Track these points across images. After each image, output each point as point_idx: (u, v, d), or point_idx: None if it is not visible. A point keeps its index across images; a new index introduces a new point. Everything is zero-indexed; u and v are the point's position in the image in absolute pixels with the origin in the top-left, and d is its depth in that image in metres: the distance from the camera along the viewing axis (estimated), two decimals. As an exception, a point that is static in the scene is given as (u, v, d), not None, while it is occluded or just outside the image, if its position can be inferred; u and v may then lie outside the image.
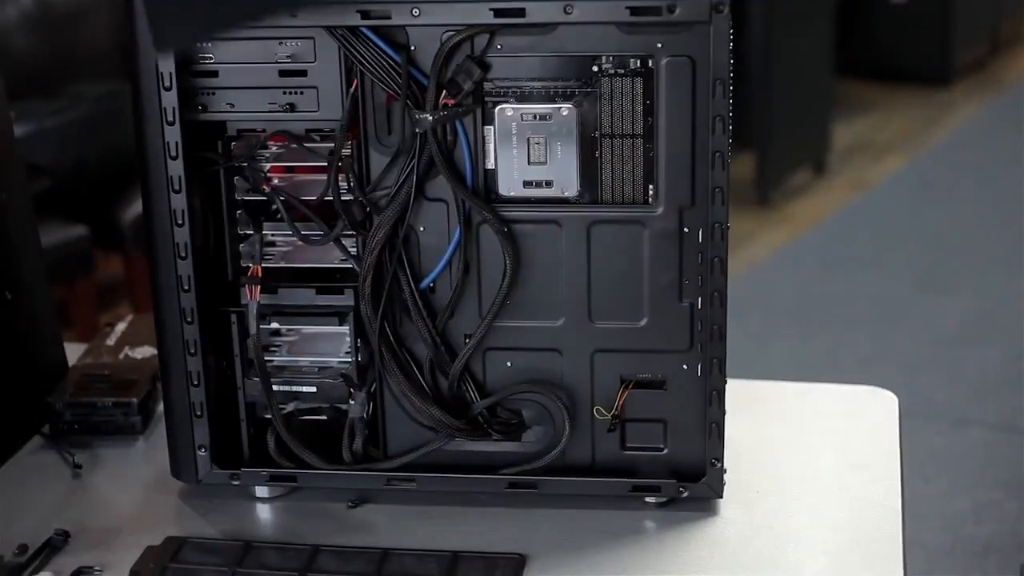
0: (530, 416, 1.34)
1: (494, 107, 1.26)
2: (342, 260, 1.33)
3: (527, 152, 1.27)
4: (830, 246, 4.59)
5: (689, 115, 1.24)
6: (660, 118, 1.24)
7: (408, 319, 1.31)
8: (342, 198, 1.29)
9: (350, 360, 1.35)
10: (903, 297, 4.15)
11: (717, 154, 1.23)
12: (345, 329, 1.34)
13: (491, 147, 1.27)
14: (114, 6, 3.62)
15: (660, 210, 1.26)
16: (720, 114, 1.22)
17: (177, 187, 1.28)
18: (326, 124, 1.29)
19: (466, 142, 1.26)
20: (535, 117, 1.26)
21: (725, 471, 1.31)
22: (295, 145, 1.31)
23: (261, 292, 1.33)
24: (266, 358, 1.36)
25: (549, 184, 1.28)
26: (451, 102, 1.24)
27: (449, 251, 1.29)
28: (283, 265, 1.36)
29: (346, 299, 1.34)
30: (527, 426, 1.34)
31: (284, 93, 1.29)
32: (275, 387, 1.35)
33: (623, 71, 1.24)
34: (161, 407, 1.41)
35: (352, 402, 1.34)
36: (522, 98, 1.26)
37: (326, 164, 1.29)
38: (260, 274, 1.33)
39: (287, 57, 1.28)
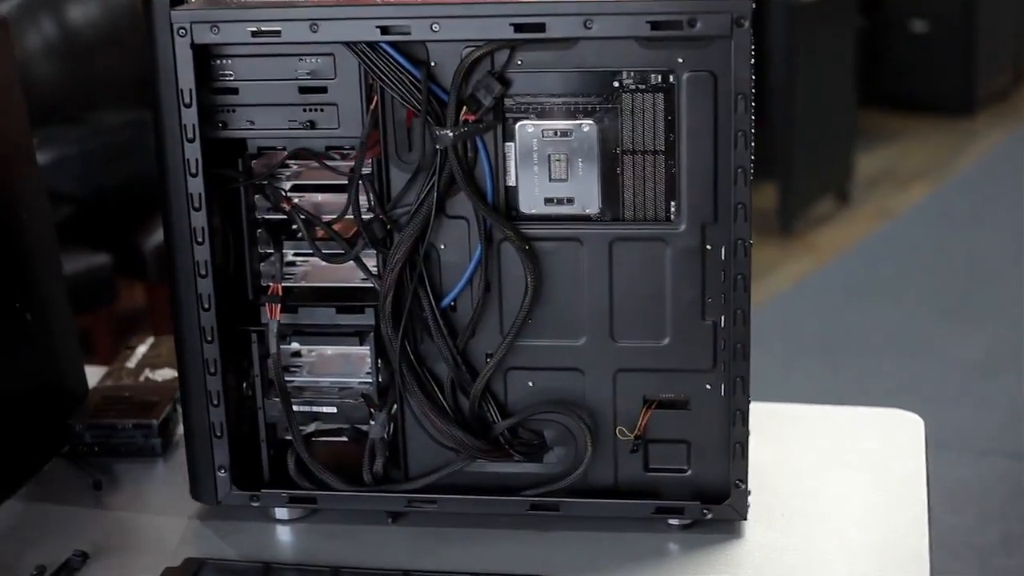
0: (552, 437, 1.32)
1: (515, 123, 1.25)
2: (363, 279, 1.32)
3: (548, 169, 1.26)
4: (854, 275, 4.57)
5: (711, 131, 1.23)
6: (682, 134, 1.23)
7: (429, 338, 1.30)
8: (362, 216, 1.28)
9: (371, 380, 1.34)
10: (928, 326, 4.12)
11: (740, 170, 1.22)
12: (366, 349, 1.33)
13: (512, 164, 1.26)
14: (137, 35, 3.63)
15: (682, 227, 1.25)
16: (742, 129, 1.21)
17: (197, 205, 1.28)
18: (346, 141, 1.29)
19: (487, 159, 1.25)
20: (556, 133, 1.25)
21: (749, 492, 1.30)
22: (315, 163, 1.30)
23: (281, 311, 1.33)
24: (286, 378, 1.35)
25: (570, 201, 1.27)
26: (471, 118, 1.23)
27: (470, 269, 1.28)
28: (303, 284, 1.35)
29: (367, 318, 1.33)
30: (549, 447, 1.33)
31: (304, 110, 1.28)
32: (295, 408, 1.34)
33: (644, 86, 1.23)
34: (181, 429, 1.40)
35: (372, 423, 1.33)
36: (543, 114, 1.25)
37: (346, 182, 1.28)
38: (280, 293, 1.32)
39: (307, 74, 1.27)
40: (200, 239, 1.29)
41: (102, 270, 3.28)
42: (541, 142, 1.26)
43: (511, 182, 1.27)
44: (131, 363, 1.65)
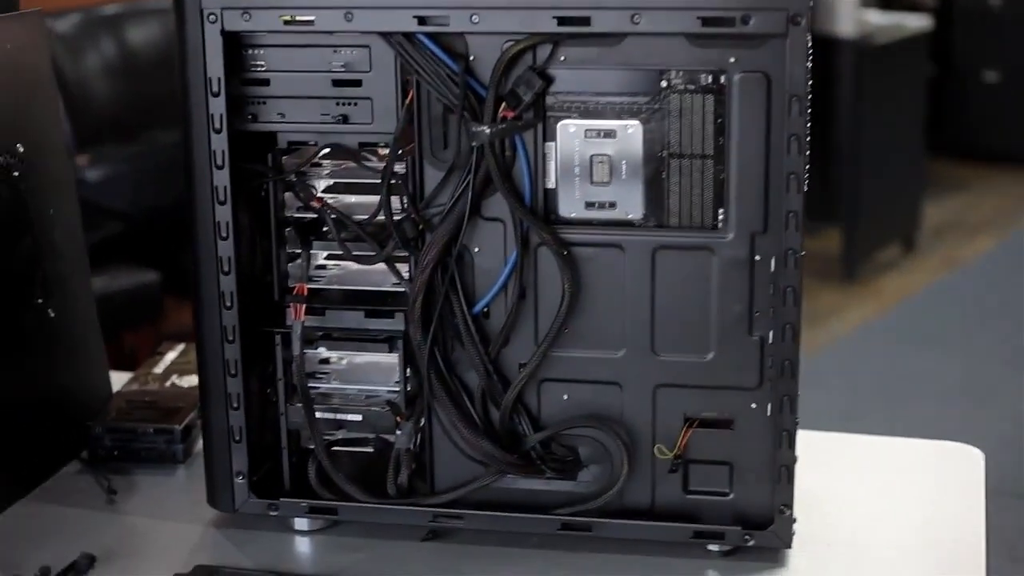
0: (586, 454, 1.26)
1: (556, 122, 1.19)
2: (394, 284, 1.27)
3: (590, 171, 1.20)
4: (918, 322, 4.47)
5: (763, 135, 1.16)
6: (732, 138, 1.17)
7: (460, 345, 1.24)
8: (394, 215, 1.23)
9: (399, 390, 1.28)
10: (992, 375, 4.02)
11: (792, 176, 1.15)
12: (394, 356, 1.27)
13: (552, 165, 1.20)
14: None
15: (730, 236, 1.18)
16: (796, 133, 1.14)
17: (222, 198, 1.23)
18: (380, 137, 1.23)
19: (525, 159, 1.20)
20: (599, 134, 1.19)
21: (795, 520, 1.22)
22: (348, 162, 1.25)
23: (308, 315, 1.27)
24: (312, 385, 1.29)
25: (612, 206, 1.20)
26: (510, 115, 1.18)
27: (505, 274, 1.22)
28: (332, 287, 1.30)
29: (396, 323, 1.27)
30: (583, 464, 1.26)
31: (337, 104, 1.23)
32: (320, 415, 1.28)
33: (693, 87, 1.17)
34: (203, 435, 1.34)
35: (399, 432, 1.27)
36: (586, 114, 1.19)
37: (379, 181, 1.23)
38: (306, 293, 1.26)
39: (341, 66, 1.22)
40: (224, 234, 1.23)
41: (149, 287, 3.25)
42: (583, 143, 1.19)
43: (550, 184, 1.21)
44: (158, 368, 1.60)
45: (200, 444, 1.41)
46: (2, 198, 1.37)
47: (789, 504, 1.21)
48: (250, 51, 1.23)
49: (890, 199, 4.98)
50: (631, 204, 1.20)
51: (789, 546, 1.22)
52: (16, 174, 1.39)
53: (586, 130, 1.19)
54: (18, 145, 1.39)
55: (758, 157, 1.16)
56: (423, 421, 1.27)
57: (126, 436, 1.45)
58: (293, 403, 1.29)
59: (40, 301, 1.43)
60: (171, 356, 1.63)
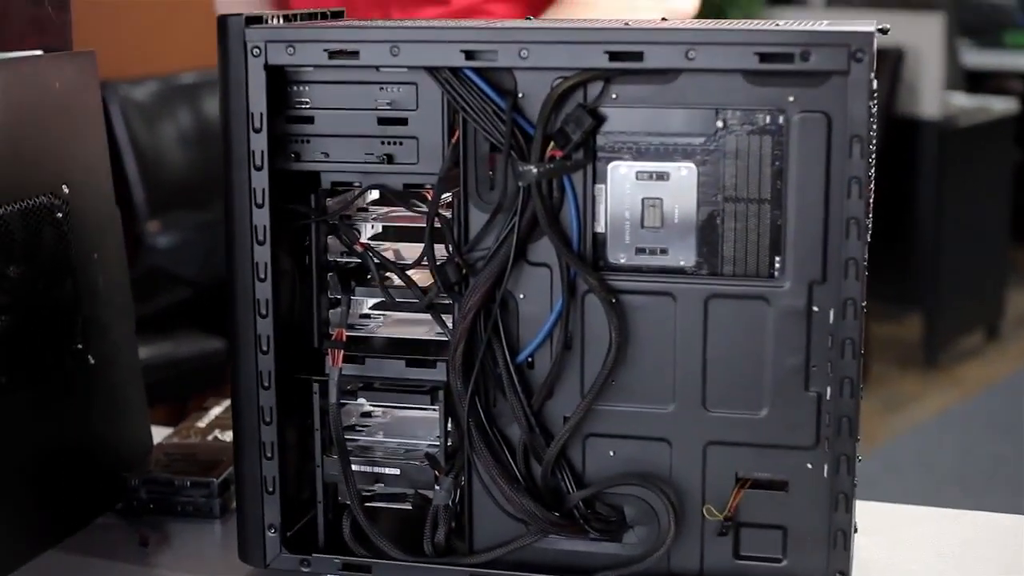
0: (632, 514, 1.19)
1: (606, 163, 1.14)
2: (438, 332, 1.22)
3: (641, 215, 1.15)
4: (1000, 411, 4.34)
5: (823, 179, 1.10)
6: (790, 181, 1.11)
7: (502, 396, 1.19)
8: (436, 259, 1.18)
9: (439, 443, 1.22)
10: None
11: (852, 221, 1.09)
12: (435, 407, 1.22)
13: (601, 208, 1.15)
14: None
15: (787, 285, 1.13)
16: (857, 176, 1.09)
17: (261, 238, 1.19)
18: (425, 179, 1.19)
19: (574, 201, 1.15)
20: (651, 176, 1.14)
21: (853, 589, 1.15)
22: (392, 208, 1.21)
23: (348, 362, 1.23)
24: (349, 437, 1.24)
25: (664, 252, 1.15)
26: (559, 154, 1.13)
27: (550, 322, 1.17)
28: (373, 335, 1.25)
29: (438, 374, 1.22)
30: (628, 525, 1.20)
31: (382, 143, 1.19)
32: (357, 468, 1.23)
33: (750, 127, 1.12)
34: (239, 487, 1.29)
35: (437, 488, 1.21)
36: (638, 155, 1.14)
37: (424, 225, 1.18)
38: (344, 339, 1.22)
39: (387, 104, 1.18)
40: (262, 275, 1.19)
41: (215, 355, 3.23)
42: (634, 185, 1.14)
43: (599, 228, 1.16)
44: (202, 423, 1.56)
45: (237, 498, 1.37)
46: (44, 239, 1.35)
47: (846, 572, 1.14)
48: (295, 87, 1.20)
49: (973, 286, 4.88)
50: (683, 250, 1.15)
51: (846, 617, 1.15)
52: (60, 215, 1.36)
53: (638, 172, 1.14)
54: (63, 186, 1.37)
55: (817, 202, 1.11)
56: (463, 477, 1.21)
57: (163, 488, 1.40)
58: (330, 455, 1.24)
59: (80, 347, 1.39)
60: (216, 411, 1.60)
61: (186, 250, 3.33)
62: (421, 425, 1.26)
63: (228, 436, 1.50)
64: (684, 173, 1.14)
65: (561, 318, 1.16)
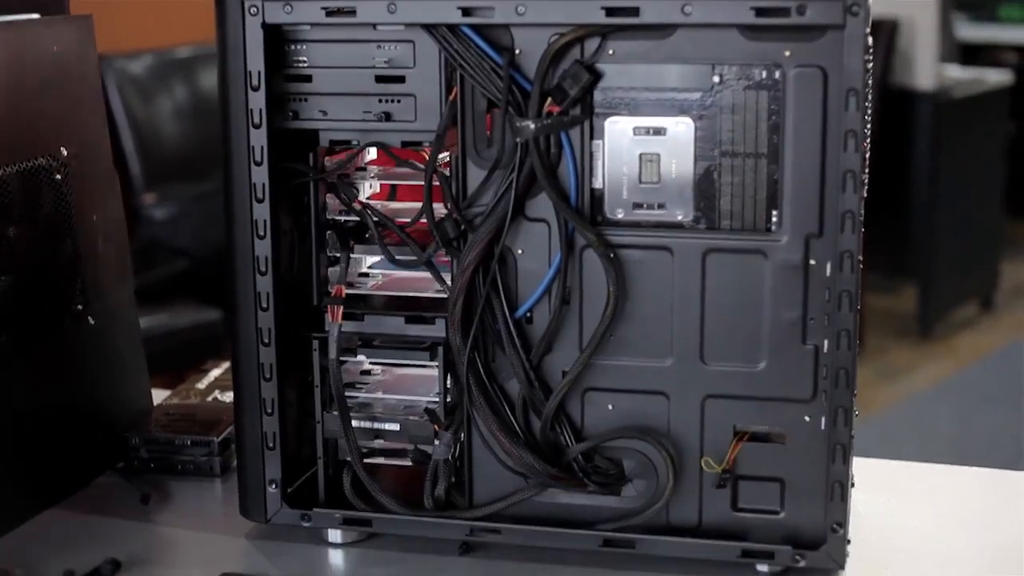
0: (631, 467, 1.20)
1: (603, 119, 1.15)
2: (437, 289, 1.23)
3: (638, 170, 1.15)
4: (994, 381, 4.36)
5: (819, 133, 1.11)
6: (787, 135, 1.12)
7: (501, 352, 1.20)
8: (435, 215, 1.19)
9: (438, 399, 1.23)
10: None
11: (849, 174, 1.10)
12: (434, 363, 1.23)
13: (599, 164, 1.16)
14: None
15: (784, 239, 1.13)
16: (853, 129, 1.09)
17: (260, 196, 1.20)
18: (423, 136, 1.20)
19: (572, 157, 1.15)
20: (648, 132, 1.15)
21: (849, 541, 1.16)
22: (391, 167, 1.22)
23: (347, 319, 1.23)
24: (350, 394, 1.25)
25: (661, 207, 1.16)
26: (556, 110, 1.13)
27: (548, 277, 1.17)
28: (373, 292, 1.26)
29: (437, 330, 1.23)
30: (627, 478, 1.20)
31: (380, 101, 1.20)
32: (357, 424, 1.24)
33: (747, 82, 1.12)
34: (241, 446, 1.30)
35: (437, 443, 1.22)
36: (635, 110, 1.15)
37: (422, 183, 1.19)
38: (343, 295, 1.22)
39: (385, 62, 1.19)
40: (261, 233, 1.20)
41: (212, 326, 3.24)
42: (632, 141, 1.15)
43: (597, 184, 1.16)
44: (201, 384, 1.57)
45: (238, 457, 1.38)
46: (43, 201, 1.35)
47: (843, 523, 1.15)
48: (292, 46, 1.20)
49: (968, 257, 4.89)
50: (681, 205, 1.15)
51: (843, 567, 1.16)
52: (59, 177, 1.37)
53: (635, 128, 1.15)
54: (62, 148, 1.37)
55: (814, 155, 1.11)
56: (462, 432, 1.22)
57: (163, 447, 1.41)
58: (330, 411, 1.25)
59: (80, 308, 1.40)
60: (215, 372, 1.60)
61: (182, 222, 3.33)
62: (420, 381, 1.27)
63: (228, 396, 1.51)
64: (681, 128, 1.14)
65: (559, 273, 1.17)
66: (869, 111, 1.13)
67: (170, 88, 3.65)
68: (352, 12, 1.16)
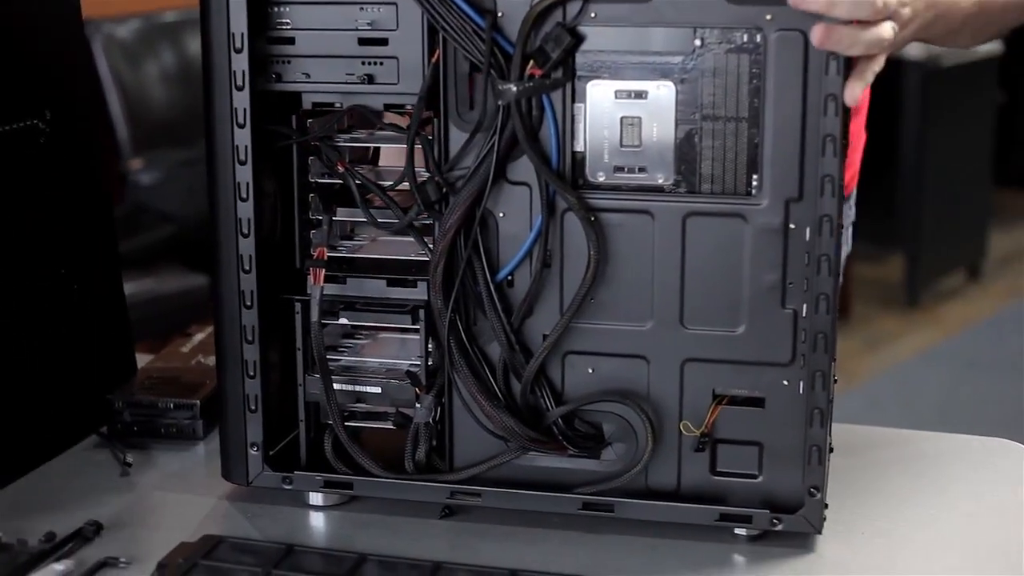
0: (610, 431, 1.21)
1: (585, 83, 1.15)
2: (418, 253, 1.23)
3: (619, 134, 1.16)
4: (980, 349, 4.37)
5: (800, 97, 1.11)
6: (768, 99, 1.12)
7: (482, 315, 1.20)
8: (417, 178, 1.19)
9: (420, 363, 1.24)
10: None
11: (828, 138, 1.10)
12: (416, 327, 1.23)
13: (580, 127, 1.16)
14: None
15: (764, 203, 1.14)
16: (833, 93, 1.09)
17: (243, 158, 1.20)
18: (406, 98, 1.20)
19: (553, 120, 1.15)
20: (630, 95, 1.15)
21: (826, 505, 1.17)
22: (372, 130, 1.22)
23: (330, 282, 1.24)
24: (332, 357, 1.25)
25: (642, 170, 1.16)
26: (538, 73, 1.13)
27: (529, 240, 1.18)
28: (355, 255, 1.26)
29: (419, 293, 1.23)
30: (607, 442, 1.21)
31: (363, 63, 1.20)
32: (338, 387, 1.24)
33: (728, 45, 1.12)
34: (224, 409, 1.31)
35: (418, 406, 1.23)
36: (616, 74, 1.15)
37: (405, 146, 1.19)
38: (325, 257, 1.23)
39: (367, 24, 1.19)
40: (244, 195, 1.20)
41: (198, 292, 3.23)
42: (613, 104, 1.15)
43: (579, 147, 1.16)
44: (185, 348, 1.57)
45: (220, 419, 1.38)
46: (26, 165, 1.35)
47: (820, 487, 1.16)
48: (276, 8, 1.20)
49: (955, 226, 4.89)
50: (662, 169, 1.16)
51: (819, 531, 1.17)
52: (42, 140, 1.37)
53: (616, 91, 1.15)
54: (46, 111, 1.37)
55: (794, 119, 1.11)
56: (444, 395, 1.23)
57: (146, 410, 1.42)
58: (312, 374, 1.25)
59: (63, 271, 1.40)
60: (199, 336, 1.61)
61: (170, 187, 3.32)
62: (403, 345, 1.28)
63: (211, 360, 1.49)
64: (662, 92, 1.14)
65: (540, 236, 1.17)
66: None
67: (157, 53, 3.64)
68: (334, -26, 1.16)
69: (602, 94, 1.15)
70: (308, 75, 1.21)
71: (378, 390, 1.25)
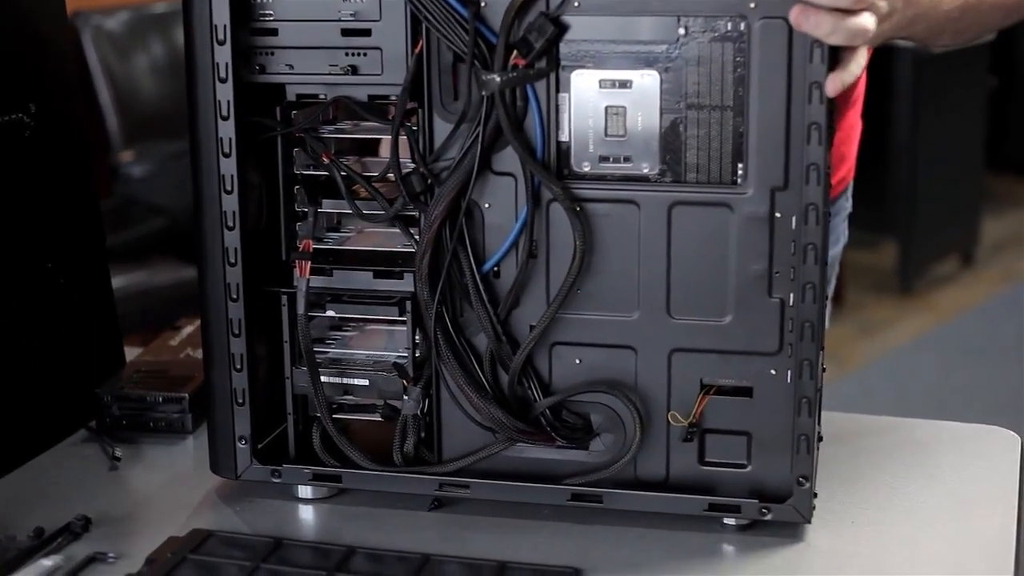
0: (598, 422, 1.21)
1: (570, 72, 1.15)
2: (405, 244, 1.22)
3: (604, 123, 1.15)
4: (974, 336, 4.37)
5: (784, 86, 1.11)
6: (752, 88, 1.12)
7: (469, 306, 1.20)
8: (402, 170, 1.18)
9: (407, 355, 1.23)
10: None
11: (814, 126, 1.10)
12: (403, 318, 1.23)
13: (565, 117, 1.16)
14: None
15: (750, 192, 1.13)
16: (818, 81, 1.09)
17: (227, 150, 1.19)
18: (389, 89, 1.19)
19: (538, 110, 1.15)
20: (614, 84, 1.14)
21: (815, 494, 1.17)
22: (356, 121, 1.21)
23: (316, 274, 1.23)
24: (319, 349, 1.25)
25: (627, 160, 1.16)
26: (522, 63, 1.13)
27: (515, 231, 1.17)
28: (341, 247, 1.26)
29: (406, 285, 1.23)
30: (595, 432, 1.21)
31: (346, 54, 1.19)
32: (326, 379, 1.24)
33: (713, 34, 1.12)
34: (212, 403, 1.30)
35: (406, 398, 1.22)
36: (600, 63, 1.14)
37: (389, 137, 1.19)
38: (311, 250, 1.22)
39: (351, 15, 1.18)
40: (229, 188, 1.20)
41: (190, 284, 3.21)
42: (598, 93, 1.15)
43: (563, 137, 1.16)
44: (174, 341, 1.57)
45: (208, 413, 1.38)
46: (11, 159, 1.34)
47: (808, 476, 1.16)
48: (258, 0, 1.20)
49: (948, 212, 4.88)
50: (647, 158, 1.15)
51: (809, 521, 1.16)
52: (27, 134, 1.36)
53: (600, 80, 1.14)
54: (30, 104, 1.37)
55: (779, 108, 1.11)
56: (431, 387, 1.22)
57: (135, 404, 1.41)
58: (299, 367, 1.25)
59: (49, 266, 1.40)
60: (188, 330, 1.60)
61: (161, 179, 3.32)
62: (390, 337, 1.27)
63: (200, 354, 1.50)
64: (647, 81, 1.14)
65: (526, 227, 1.17)
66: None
67: (147, 44, 3.63)
68: (317, -36, 1.16)
69: (586, 84, 1.15)
70: (292, 66, 1.21)
71: (366, 382, 1.24)
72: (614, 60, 1.14)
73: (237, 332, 1.22)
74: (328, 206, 1.25)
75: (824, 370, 1.18)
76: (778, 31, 1.10)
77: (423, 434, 1.24)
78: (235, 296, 1.22)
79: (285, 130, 1.22)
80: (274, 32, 1.20)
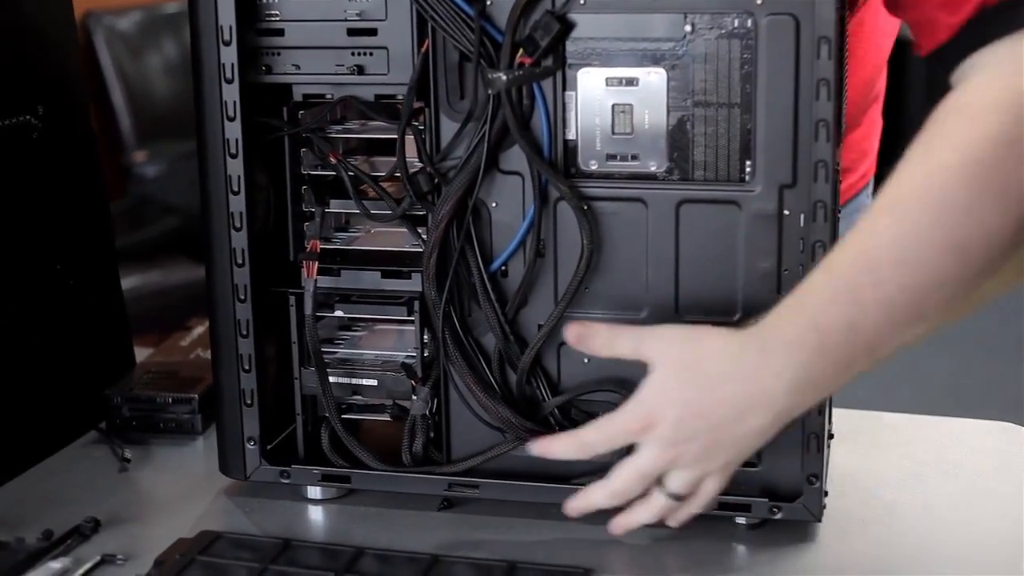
0: (608, 420, 1.20)
1: (576, 70, 1.14)
2: (412, 244, 1.22)
3: (611, 121, 1.15)
4: (986, 332, 4.35)
5: (792, 82, 1.10)
6: (760, 85, 1.11)
7: (476, 306, 1.19)
8: (409, 169, 1.18)
9: (415, 355, 1.23)
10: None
11: (821, 123, 1.09)
12: (411, 319, 1.22)
13: (572, 115, 1.15)
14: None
15: (758, 189, 1.13)
16: (825, 77, 1.08)
17: (234, 151, 1.19)
18: (396, 89, 1.19)
19: (544, 109, 1.14)
20: (621, 82, 1.14)
21: (826, 493, 1.16)
22: (364, 121, 1.21)
23: (323, 275, 1.23)
24: (327, 350, 1.25)
25: (635, 158, 1.15)
26: (528, 61, 1.13)
27: (523, 230, 1.17)
28: (349, 247, 1.25)
29: (414, 284, 1.22)
30: (604, 431, 1.20)
31: (353, 54, 1.19)
32: (334, 379, 1.24)
33: (719, 31, 1.11)
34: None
35: (415, 398, 1.22)
36: (607, 61, 1.14)
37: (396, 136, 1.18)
38: (318, 250, 1.22)
39: (356, 15, 1.18)
40: (236, 188, 1.20)
41: (203, 284, 3.23)
42: (604, 91, 1.14)
43: (570, 135, 1.15)
44: (184, 341, 1.57)
45: (218, 413, 1.38)
46: (21, 161, 1.34)
47: (819, 474, 1.15)
48: (264, 0, 1.19)
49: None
50: (654, 156, 1.15)
51: (819, 520, 1.16)
52: (35, 136, 1.36)
53: (607, 78, 1.14)
54: (39, 106, 1.37)
55: (787, 105, 1.10)
56: (440, 386, 1.22)
57: (145, 405, 1.41)
58: (308, 367, 1.25)
59: (59, 268, 1.40)
60: (199, 330, 1.60)
61: (174, 179, 3.33)
62: (398, 336, 1.27)
63: (210, 354, 1.51)
64: (654, 79, 1.13)
65: (533, 226, 1.16)
66: (845, 60, 1.12)
67: (159, 44, 3.64)
68: (322, -36, 1.15)
69: (593, 82, 1.14)
70: (298, 67, 1.21)
71: (374, 382, 1.24)
72: (620, 58, 1.13)
73: (245, 333, 1.22)
74: (335, 206, 1.25)
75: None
76: (785, 27, 1.09)
77: (432, 434, 1.23)
78: (243, 297, 1.21)
79: (292, 130, 1.22)
80: (280, 32, 1.20)
